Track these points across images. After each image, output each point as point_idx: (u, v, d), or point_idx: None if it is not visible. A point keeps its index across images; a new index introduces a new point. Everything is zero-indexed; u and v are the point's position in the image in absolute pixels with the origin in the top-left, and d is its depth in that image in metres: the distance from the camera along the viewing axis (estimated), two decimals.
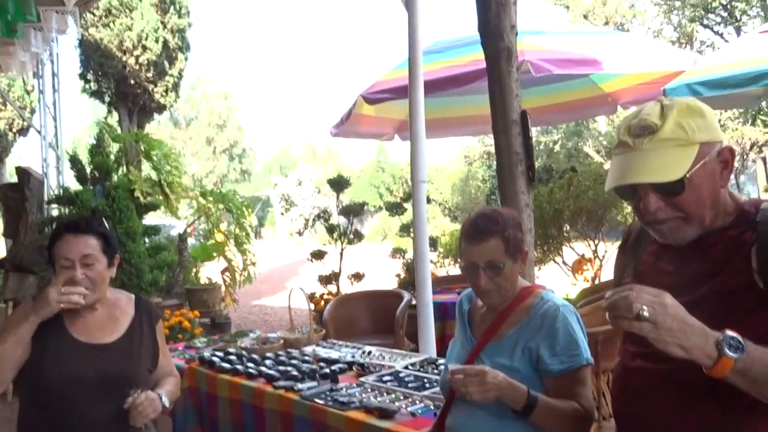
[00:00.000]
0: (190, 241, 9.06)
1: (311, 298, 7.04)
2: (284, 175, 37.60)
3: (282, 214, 34.31)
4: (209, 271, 9.80)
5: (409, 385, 2.79)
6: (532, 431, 1.72)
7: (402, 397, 2.63)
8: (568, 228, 7.74)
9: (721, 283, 1.30)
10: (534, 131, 3.85)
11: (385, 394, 2.71)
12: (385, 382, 2.86)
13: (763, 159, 15.35)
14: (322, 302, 6.93)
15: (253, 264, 8.24)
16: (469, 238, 1.84)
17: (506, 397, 1.67)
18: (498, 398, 1.67)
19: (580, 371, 1.75)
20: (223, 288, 8.43)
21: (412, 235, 7.20)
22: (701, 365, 1.15)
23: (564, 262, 7.92)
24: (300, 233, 32.75)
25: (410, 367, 3.10)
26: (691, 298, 1.24)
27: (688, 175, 1.27)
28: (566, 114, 7.77)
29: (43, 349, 1.96)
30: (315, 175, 34.16)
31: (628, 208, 7.55)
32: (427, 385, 2.74)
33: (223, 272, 8.42)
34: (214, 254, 8.39)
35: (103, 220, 2.16)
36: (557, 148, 21.48)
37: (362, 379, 2.94)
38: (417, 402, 2.55)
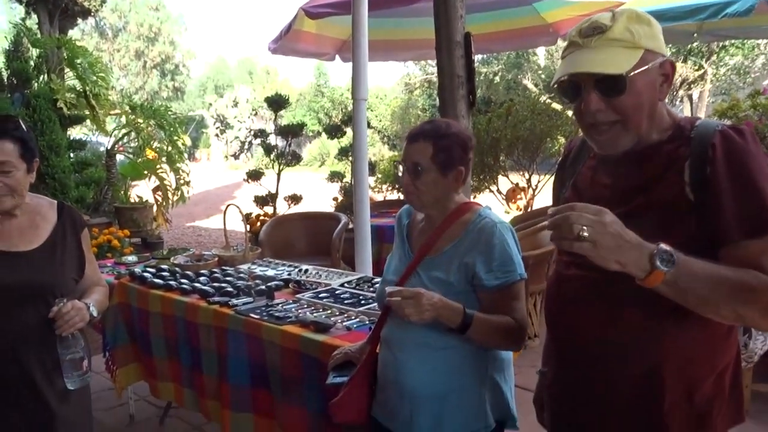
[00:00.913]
0: (119, 158, 8.69)
1: (247, 218, 6.95)
2: (219, 95, 36.31)
3: (217, 136, 33.34)
4: (140, 191, 9.49)
5: (345, 301, 2.81)
6: (463, 340, 1.77)
7: (338, 313, 2.65)
8: (503, 157, 7.87)
9: (655, 196, 1.35)
10: (475, 61, 3.82)
11: (321, 310, 2.72)
12: (321, 298, 2.87)
13: (690, 97, 15.89)
14: (258, 223, 6.86)
15: (187, 184, 8.04)
16: (408, 137, 1.89)
17: (442, 316, 1.70)
18: (434, 318, 1.70)
19: (515, 286, 1.79)
20: (155, 207, 8.21)
21: (350, 157, 7.19)
22: (634, 276, 1.19)
23: (499, 191, 8.09)
24: (236, 156, 31.93)
25: (346, 285, 3.12)
26: (626, 209, 1.29)
27: (630, 75, 1.31)
28: (507, 42, 7.73)
29: None
30: (251, 96, 33.16)
31: (562, 140, 7.73)
32: (363, 302, 2.77)
33: (154, 191, 8.18)
34: (145, 172, 8.12)
35: (20, 122, 2.00)
36: (497, 79, 21.51)
37: (298, 296, 2.95)
38: (353, 317, 2.58)
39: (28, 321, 1.90)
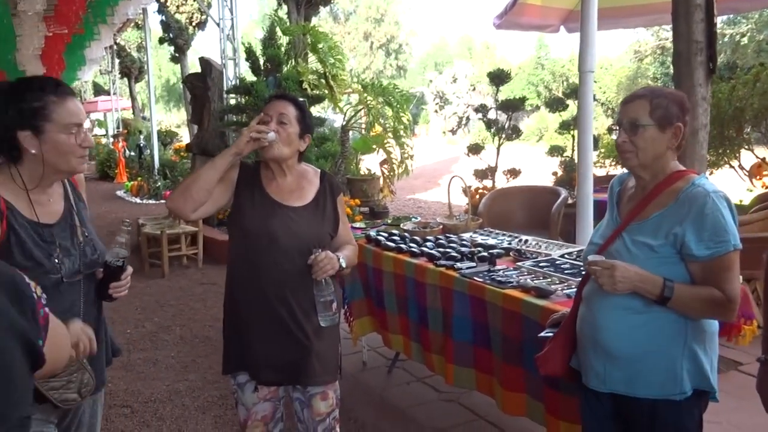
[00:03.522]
0: (351, 133, 9.45)
1: (466, 192, 7.20)
2: (439, 71, 37.15)
3: (436, 111, 34.25)
4: (368, 163, 10.26)
5: (566, 271, 2.87)
6: (663, 308, 1.78)
7: (558, 282, 2.73)
8: (749, 129, 7.09)
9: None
10: (718, 21, 3.52)
11: (541, 277, 2.82)
12: (542, 267, 2.97)
13: None
14: (477, 196, 7.05)
15: (411, 157, 8.51)
16: (623, 101, 1.94)
17: (640, 288, 1.75)
18: (631, 290, 1.75)
19: (727, 257, 1.75)
20: (381, 179, 8.83)
21: (572, 131, 7.03)
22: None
23: (741, 166, 7.32)
24: (453, 132, 32.67)
25: (566, 256, 3.17)
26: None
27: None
28: (758, 0, 6.89)
29: (248, 201, 2.27)
30: (470, 72, 33.41)
31: None
32: (583, 273, 2.80)
33: (381, 164, 8.78)
34: (374, 146, 8.74)
35: (305, 102, 2.40)
36: (745, 40, 19.09)
37: (519, 263, 3.07)
38: (573, 286, 2.63)
39: (293, 265, 2.24)
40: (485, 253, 3.17)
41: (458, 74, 33.30)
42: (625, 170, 2.05)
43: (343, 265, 2.30)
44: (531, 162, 11.13)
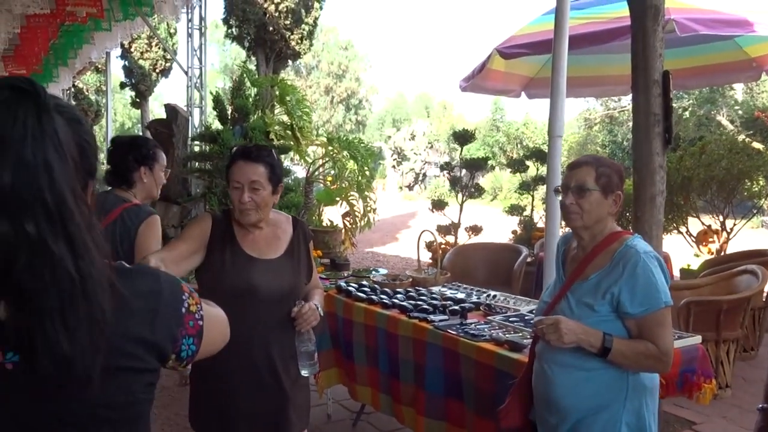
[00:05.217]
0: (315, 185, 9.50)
1: (429, 246, 7.30)
2: (397, 128, 37.90)
3: (393, 167, 34.75)
4: (330, 215, 10.29)
5: None
6: (606, 363, 1.94)
7: (529, 336, 2.81)
8: (695, 198, 7.48)
9: None
10: (673, 99, 3.81)
11: (512, 332, 2.90)
12: (512, 322, 3.05)
13: None
14: (440, 251, 7.15)
15: (373, 211, 8.59)
16: (570, 166, 2.11)
17: (583, 341, 1.90)
18: (575, 343, 1.90)
19: (659, 312, 1.91)
20: (343, 231, 8.86)
21: (531, 192, 7.29)
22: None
23: (688, 233, 7.68)
24: (410, 188, 33.13)
25: (534, 311, 3.26)
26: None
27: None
28: (704, 78, 7.37)
29: (221, 260, 2.24)
30: (428, 130, 34.18)
31: (762, 181, 7.19)
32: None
33: (344, 216, 8.84)
34: (337, 199, 8.80)
35: (273, 151, 2.38)
36: (687, 114, 20.23)
37: (489, 317, 3.15)
38: None
39: (272, 317, 2.24)
40: (456, 307, 3.24)
41: (416, 131, 34.02)
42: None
43: (321, 313, 2.32)
44: (488, 220, 11.38)
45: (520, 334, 2.84)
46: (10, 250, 0.82)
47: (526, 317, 3.14)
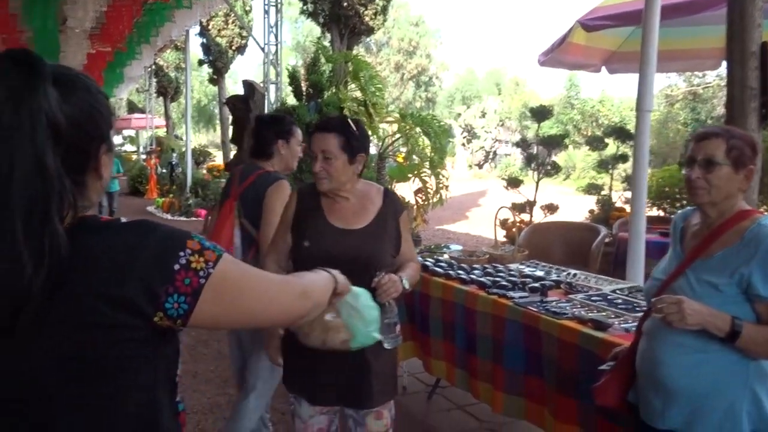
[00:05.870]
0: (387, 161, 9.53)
1: (503, 224, 7.22)
2: (467, 105, 37.43)
3: (463, 145, 34.41)
4: (401, 191, 10.32)
5: (619, 306, 2.88)
6: (727, 347, 1.78)
7: (613, 315, 2.75)
8: None
9: None
10: None
11: (595, 311, 2.84)
12: (594, 301, 2.98)
13: None
14: (513, 229, 7.07)
15: (446, 188, 8.54)
16: (697, 136, 1.95)
17: (709, 324, 1.75)
18: (700, 325, 1.75)
19: None
20: (415, 208, 8.86)
21: (610, 170, 7.05)
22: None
23: None
24: (480, 166, 32.76)
25: (618, 291, 3.18)
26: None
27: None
28: None
29: (303, 230, 2.29)
30: (499, 108, 33.60)
31: None
32: (637, 309, 2.81)
33: (416, 193, 8.84)
34: (410, 175, 8.80)
35: (348, 121, 2.33)
36: None
37: (570, 296, 3.09)
38: (629, 321, 2.64)
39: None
40: (537, 284, 3.20)
41: (487, 108, 33.51)
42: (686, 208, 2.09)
43: (407, 286, 2.31)
44: (562, 199, 11.15)
45: (605, 313, 2.78)
46: None
47: (608, 296, 3.06)
